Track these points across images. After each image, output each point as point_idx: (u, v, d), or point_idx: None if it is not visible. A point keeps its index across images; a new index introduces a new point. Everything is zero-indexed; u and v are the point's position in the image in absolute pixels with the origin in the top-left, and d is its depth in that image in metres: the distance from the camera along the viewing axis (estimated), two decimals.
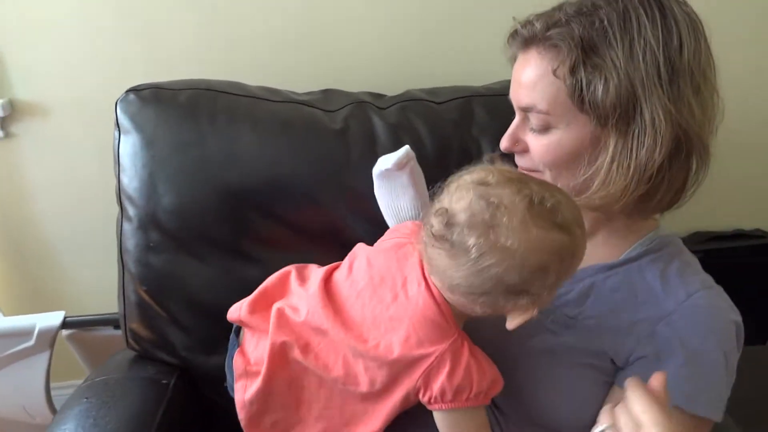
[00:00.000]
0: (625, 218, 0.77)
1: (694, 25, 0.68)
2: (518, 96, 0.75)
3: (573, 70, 0.68)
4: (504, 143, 0.79)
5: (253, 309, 0.78)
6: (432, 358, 0.66)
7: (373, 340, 0.68)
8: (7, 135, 1.28)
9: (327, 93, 1.13)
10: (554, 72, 0.69)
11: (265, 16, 1.22)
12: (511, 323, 0.65)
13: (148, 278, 1.03)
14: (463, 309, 0.67)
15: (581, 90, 0.67)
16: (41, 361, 1.26)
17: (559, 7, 0.72)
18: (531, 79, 0.72)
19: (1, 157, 1.30)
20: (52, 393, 1.31)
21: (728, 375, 0.71)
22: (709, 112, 0.70)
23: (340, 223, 1.04)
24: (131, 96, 1.01)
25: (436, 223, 0.62)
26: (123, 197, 1.02)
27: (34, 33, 1.19)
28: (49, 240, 1.40)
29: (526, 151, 0.77)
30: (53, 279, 1.45)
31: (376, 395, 0.70)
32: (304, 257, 0.88)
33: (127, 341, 1.07)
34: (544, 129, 0.73)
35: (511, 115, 0.78)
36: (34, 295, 1.46)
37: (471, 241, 0.59)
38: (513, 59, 0.77)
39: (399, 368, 0.68)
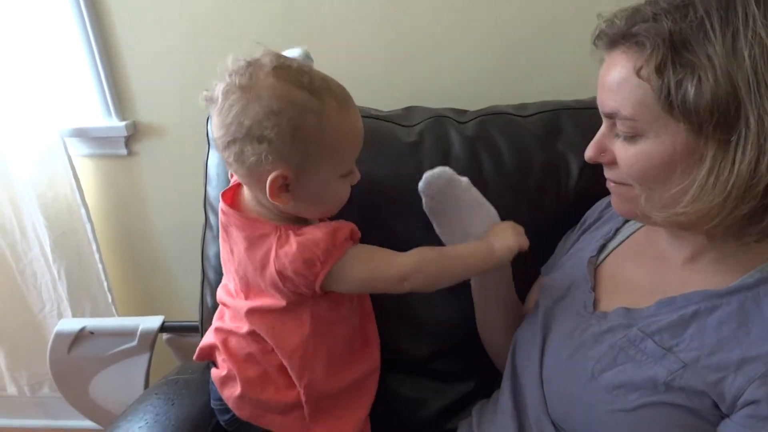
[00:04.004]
0: (737, 240, 0.65)
1: None
2: (603, 101, 0.67)
3: (659, 70, 0.59)
4: (589, 152, 0.71)
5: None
6: (272, 250, 0.72)
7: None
8: (130, 153, 1.42)
9: (409, 110, 1.11)
10: (638, 72, 0.61)
11: (354, 38, 1.24)
12: (271, 191, 0.71)
13: None
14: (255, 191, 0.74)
15: (669, 92, 0.59)
16: (142, 361, 1.35)
17: (650, 0, 0.64)
18: (615, 81, 0.64)
19: (124, 173, 1.45)
20: None
21: None
22: None
23: (407, 235, 0.98)
24: None
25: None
26: (207, 206, 1.08)
27: (153, 59, 1.32)
28: (162, 249, 1.52)
29: (613, 162, 0.69)
30: (164, 286, 1.57)
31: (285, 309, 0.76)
32: None
33: None
34: (632, 137, 0.65)
35: None
36: (147, 301, 1.59)
37: (219, 89, 0.69)
38: (601, 62, 0.69)
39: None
